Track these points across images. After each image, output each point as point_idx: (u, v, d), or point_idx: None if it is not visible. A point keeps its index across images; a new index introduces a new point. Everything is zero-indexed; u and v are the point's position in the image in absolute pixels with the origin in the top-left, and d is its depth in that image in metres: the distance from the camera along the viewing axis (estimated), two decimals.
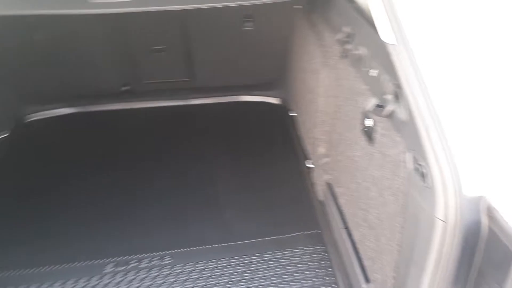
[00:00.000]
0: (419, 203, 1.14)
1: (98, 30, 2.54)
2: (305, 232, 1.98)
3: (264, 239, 1.94)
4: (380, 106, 1.35)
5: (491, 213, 1.03)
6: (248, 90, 3.07)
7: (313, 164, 2.32)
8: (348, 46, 1.76)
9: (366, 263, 1.58)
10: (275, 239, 1.95)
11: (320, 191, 2.14)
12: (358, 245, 1.67)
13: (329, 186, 2.04)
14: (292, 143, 2.61)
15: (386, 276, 1.39)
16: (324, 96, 2.09)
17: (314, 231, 1.98)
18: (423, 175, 1.11)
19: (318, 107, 2.14)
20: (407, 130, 1.23)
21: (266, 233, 1.97)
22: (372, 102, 1.34)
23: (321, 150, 2.20)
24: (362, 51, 1.62)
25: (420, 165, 1.13)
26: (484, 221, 1.03)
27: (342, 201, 1.87)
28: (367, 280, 1.57)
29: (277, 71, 2.94)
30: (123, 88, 2.91)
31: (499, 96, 1.16)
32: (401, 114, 1.27)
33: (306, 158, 2.43)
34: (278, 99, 3.05)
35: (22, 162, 2.48)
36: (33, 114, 2.84)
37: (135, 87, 2.89)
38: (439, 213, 1.05)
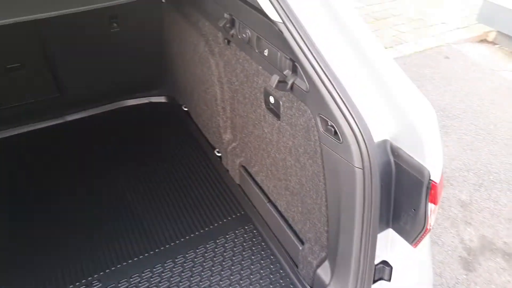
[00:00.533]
0: (336, 158, 1.28)
1: None
2: (231, 217, 2.03)
3: (192, 236, 1.94)
4: (282, 82, 1.45)
5: (395, 152, 1.21)
6: (130, 94, 2.96)
7: (221, 152, 2.37)
8: (232, 32, 1.83)
9: (297, 227, 1.71)
10: (203, 232, 1.96)
11: (236, 175, 2.20)
12: (285, 214, 1.79)
13: (244, 168, 2.12)
14: (193, 136, 2.62)
15: (320, 233, 1.52)
16: (218, 84, 2.14)
17: (240, 214, 2.05)
18: (336, 133, 1.25)
19: (215, 96, 2.18)
20: (311, 98, 1.36)
21: (192, 230, 1.98)
22: (275, 79, 1.44)
23: (227, 136, 2.26)
24: (248, 34, 1.70)
25: (331, 126, 1.27)
26: (392, 159, 1.21)
27: (260, 178, 1.97)
28: (301, 242, 1.69)
29: (156, 69, 2.89)
30: None
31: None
32: (302, 85, 1.39)
33: (213, 147, 2.47)
34: (164, 97, 3.01)
35: None
36: None
37: None
38: (356, 162, 1.19)
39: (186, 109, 2.81)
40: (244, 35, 1.73)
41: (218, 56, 2.10)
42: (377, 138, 1.20)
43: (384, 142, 1.21)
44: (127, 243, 1.91)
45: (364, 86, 1.23)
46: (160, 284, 1.72)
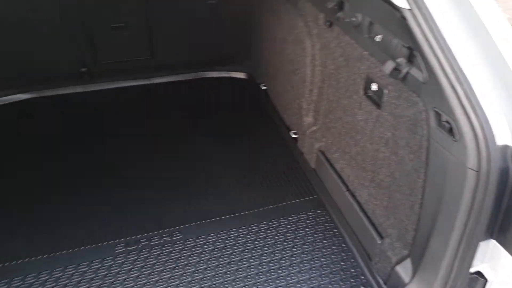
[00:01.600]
0: (446, 157, 1.23)
1: (53, 7, 2.35)
2: (304, 198, 2.04)
3: (266, 208, 1.97)
4: (396, 69, 1.41)
5: None
6: (212, 66, 3.02)
7: (298, 134, 2.37)
8: (339, 14, 1.80)
9: (377, 220, 1.68)
10: (276, 207, 1.98)
11: (312, 159, 2.20)
12: (365, 205, 1.76)
13: (323, 153, 2.11)
14: (269, 115, 2.64)
15: (405, 230, 1.49)
16: (311, 65, 2.13)
17: (313, 197, 2.05)
18: (450, 130, 1.20)
19: (304, 77, 2.17)
20: (427, 89, 1.31)
21: (266, 203, 2.00)
22: (390, 66, 1.40)
23: (309, 119, 2.25)
24: (358, 18, 1.66)
25: (446, 121, 1.22)
26: (511, 166, 1.14)
27: (340, 166, 1.95)
28: (380, 236, 1.67)
29: (242, 44, 2.92)
30: (82, 70, 2.73)
31: None
32: (418, 75, 1.35)
33: (289, 129, 2.47)
34: (244, 73, 3.04)
35: None
36: None
37: (94, 68, 2.72)
38: (471, 163, 1.14)
39: (264, 87, 2.83)
40: (353, 19, 1.69)
41: (316, 37, 2.08)
42: (499, 141, 1.14)
43: (506, 147, 1.15)
44: (204, 204, 1.97)
45: (491, 85, 1.17)
46: (234, 247, 1.77)
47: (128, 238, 1.80)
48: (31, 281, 1.61)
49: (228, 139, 2.43)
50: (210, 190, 2.06)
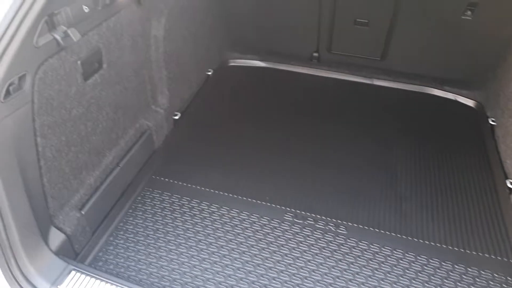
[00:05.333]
0: None
1: None
2: (497, 258, 1.72)
3: (446, 247, 1.75)
4: None
5: None
6: (440, 83, 2.79)
7: None
8: None
9: None
10: (458, 251, 1.74)
11: None
12: None
13: None
14: (487, 155, 2.29)
15: None
16: None
17: (509, 261, 1.71)
18: None
19: None
20: None
21: (448, 241, 1.78)
22: None
23: None
24: None
25: None
26: None
27: None
28: None
29: (482, 69, 2.59)
30: (314, 54, 2.94)
31: None
32: None
33: (507, 177, 2.11)
34: (473, 101, 2.71)
35: (218, 99, 2.72)
36: (234, 60, 3.08)
37: (324, 56, 2.89)
38: None
39: (493, 123, 2.47)
40: None
41: None
42: None
43: None
44: (380, 213, 1.91)
45: None
46: (394, 268, 1.66)
47: (298, 211, 1.89)
48: (212, 209, 1.92)
49: (428, 160, 2.23)
50: (387, 201, 1.97)
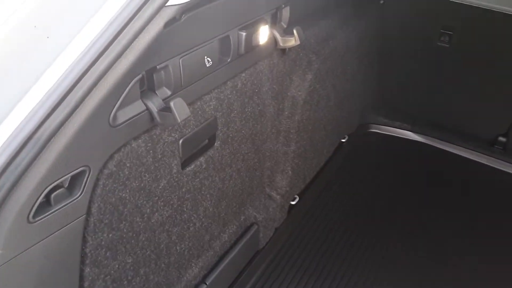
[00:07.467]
0: None
1: None
2: None
3: None
4: None
5: None
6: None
7: None
8: None
9: None
10: None
11: None
12: None
13: None
14: None
15: None
16: None
17: None
18: None
19: None
20: None
21: None
22: None
23: None
24: None
25: None
26: None
27: None
28: None
29: None
30: (500, 139, 2.08)
31: None
32: None
33: None
34: None
35: (350, 177, 2.02)
36: (376, 126, 2.32)
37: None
38: None
39: None
40: None
41: None
42: None
43: None
44: None
45: None
46: None
47: None
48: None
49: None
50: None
